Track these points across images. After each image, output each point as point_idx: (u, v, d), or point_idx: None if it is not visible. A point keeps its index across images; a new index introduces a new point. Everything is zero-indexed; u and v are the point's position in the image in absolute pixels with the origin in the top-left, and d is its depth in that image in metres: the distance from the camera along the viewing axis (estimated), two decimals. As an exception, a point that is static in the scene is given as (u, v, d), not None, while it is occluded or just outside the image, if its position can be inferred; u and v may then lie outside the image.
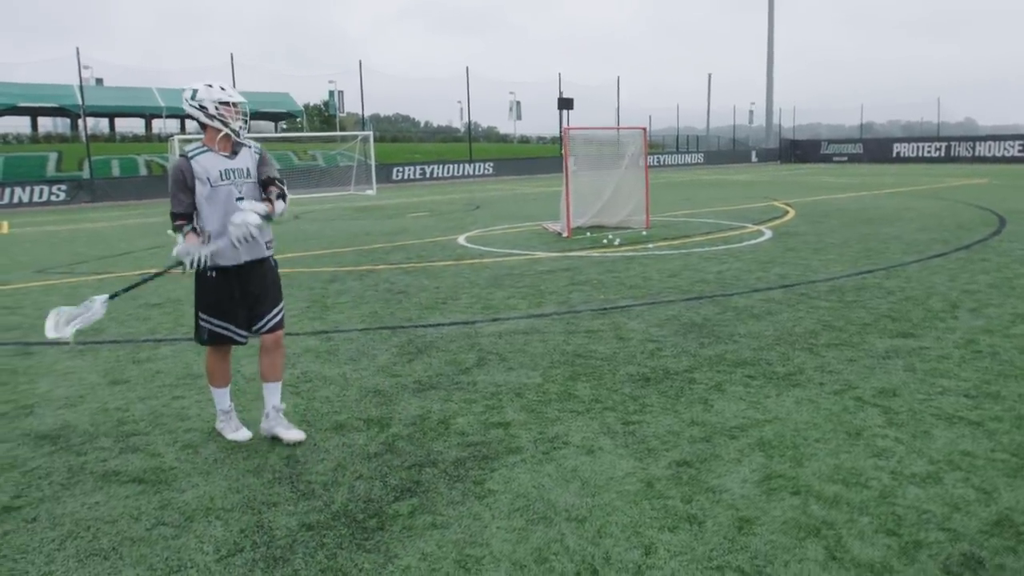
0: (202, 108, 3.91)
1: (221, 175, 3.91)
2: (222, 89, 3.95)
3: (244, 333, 4.12)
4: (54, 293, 9.04)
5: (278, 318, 4.17)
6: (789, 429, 4.03)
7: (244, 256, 4.00)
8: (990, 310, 6.53)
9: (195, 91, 3.93)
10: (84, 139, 34.26)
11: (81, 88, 32.49)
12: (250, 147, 4.08)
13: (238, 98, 3.99)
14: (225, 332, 4.07)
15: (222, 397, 4.20)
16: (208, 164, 3.90)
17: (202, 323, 4.06)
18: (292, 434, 4.12)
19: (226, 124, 3.93)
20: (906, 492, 3.29)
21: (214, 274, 3.98)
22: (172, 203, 3.90)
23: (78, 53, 30.80)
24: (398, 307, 7.52)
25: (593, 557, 2.85)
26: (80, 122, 38.34)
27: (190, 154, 3.92)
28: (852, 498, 3.25)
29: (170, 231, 4.00)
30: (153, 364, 5.74)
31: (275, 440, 4.10)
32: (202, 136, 4.01)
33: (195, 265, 3.82)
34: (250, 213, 3.82)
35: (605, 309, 7.10)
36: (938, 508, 3.14)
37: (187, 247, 3.80)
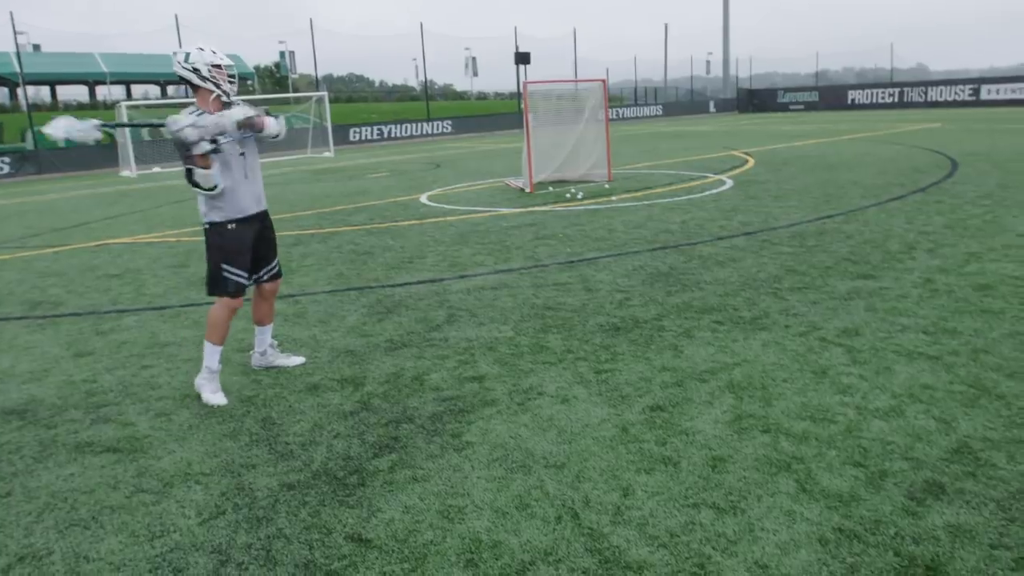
0: (195, 71, 4.05)
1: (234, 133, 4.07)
2: (213, 52, 4.11)
3: (250, 281, 4.41)
4: (8, 268, 8.79)
5: (279, 266, 4.59)
6: (757, 371, 4.13)
7: (256, 207, 4.29)
8: (945, 250, 6.71)
9: (188, 54, 4.08)
10: (25, 108, 33.00)
11: (18, 55, 31.15)
12: (238, 105, 4.22)
13: (227, 61, 4.17)
14: (245, 281, 4.28)
15: (215, 355, 4.24)
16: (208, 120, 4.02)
17: (227, 275, 4.20)
18: (295, 359, 4.72)
19: (218, 86, 4.10)
20: (871, 425, 3.40)
21: (234, 225, 4.18)
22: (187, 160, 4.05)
23: (12, 18, 29.49)
24: (364, 268, 7.48)
25: (573, 501, 2.92)
26: (19, 91, 36.89)
27: (198, 113, 4.08)
28: (820, 433, 3.36)
29: (197, 174, 4.04)
30: (118, 335, 5.64)
31: (250, 401, 4.09)
32: (191, 100, 4.23)
33: (179, 133, 3.87)
34: (238, 109, 4.03)
35: (572, 262, 7.14)
36: (901, 439, 3.26)
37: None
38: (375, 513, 2.92)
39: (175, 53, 4.16)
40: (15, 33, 29.95)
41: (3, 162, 27.46)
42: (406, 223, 10.28)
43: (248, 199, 4.23)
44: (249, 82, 49.08)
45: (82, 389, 4.51)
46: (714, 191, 11.57)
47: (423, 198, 12.97)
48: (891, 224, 8.01)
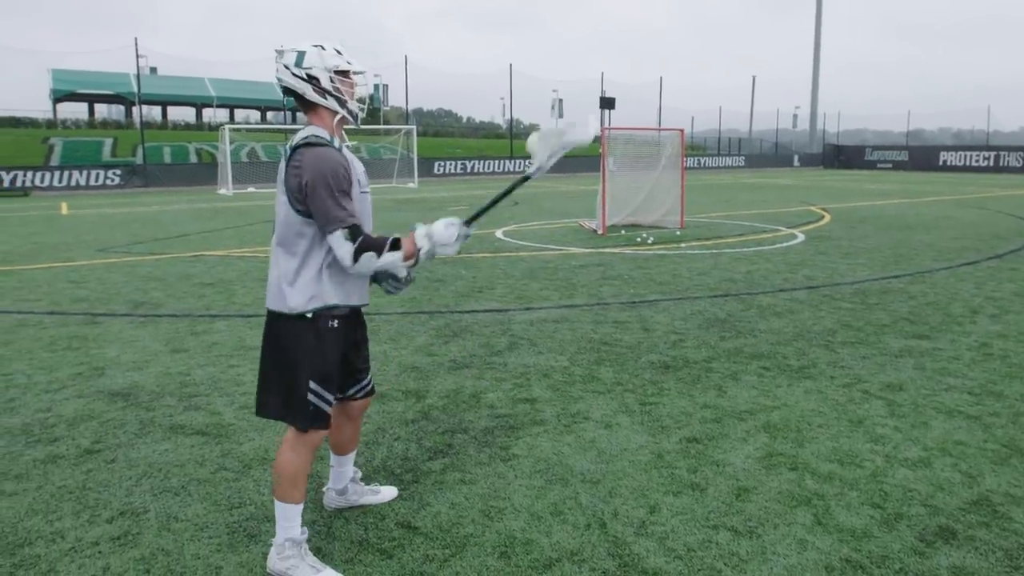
0: (311, 79, 2.67)
1: (368, 177, 2.89)
2: (338, 52, 2.70)
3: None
4: (115, 271, 9.63)
5: (371, 377, 3.16)
6: (795, 415, 4.32)
7: (364, 297, 2.92)
8: (1010, 316, 6.69)
9: (301, 54, 2.66)
10: (138, 126, 35.46)
11: (138, 77, 33.64)
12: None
13: (359, 67, 2.77)
14: (329, 408, 2.82)
15: (296, 517, 2.77)
16: (353, 160, 2.78)
17: (318, 400, 2.75)
18: (385, 493, 3.33)
19: (343, 103, 2.73)
20: (896, 473, 3.57)
21: (336, 323, 2.78)
22: (342, 211, 2.63)
23: (136, 43, 31.89)
24: (436, 294, 7.93)
25: (603, 513, 3.20)
26: (135, 109, 39.61)
27: (336, 144, 2.73)
28: (845, 475, 3.54)
29: (359, 253, 2.69)
30: (209, 336, 6.21)
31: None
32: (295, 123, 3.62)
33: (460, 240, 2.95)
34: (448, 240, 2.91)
35: (634, 303, 7.41)
36: (923, 487, 3.42)
37: (445, 232, 2.93)
38: (424, 506, 3.27)
39: (281, 53, 2.68)
40: (137, 57, 32.34)
41: (114, 174, 29.56)
42: (480, 255, 10.74)
43: (359, 282, 2.86)
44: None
45: (177, 380, 5.04)
46: (784, 244, 11.65)
47: (499, 233, 13.45)
48: (958, 288, 7.99)
